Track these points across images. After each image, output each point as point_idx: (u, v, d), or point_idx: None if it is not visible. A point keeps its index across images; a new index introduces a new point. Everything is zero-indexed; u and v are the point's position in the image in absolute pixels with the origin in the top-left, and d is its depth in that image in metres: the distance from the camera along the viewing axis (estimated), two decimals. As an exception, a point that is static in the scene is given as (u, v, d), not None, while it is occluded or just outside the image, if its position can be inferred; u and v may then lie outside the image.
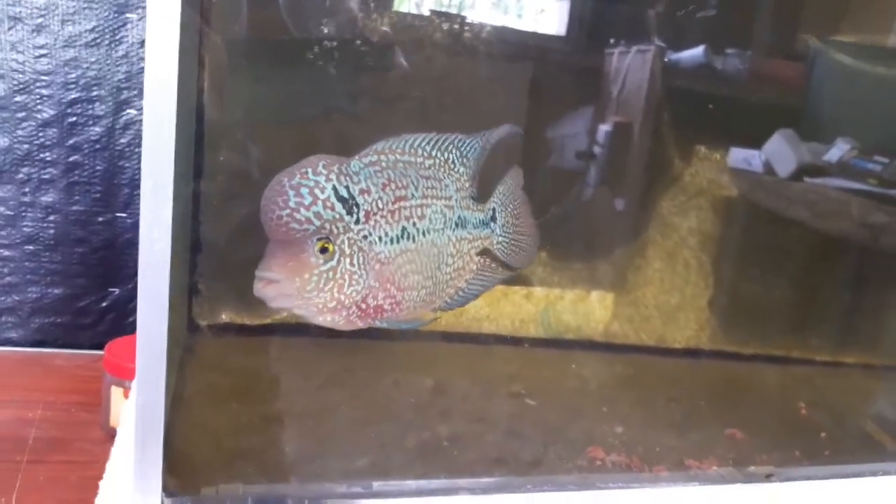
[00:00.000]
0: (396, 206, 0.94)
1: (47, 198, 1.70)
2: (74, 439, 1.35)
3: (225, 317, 1.52)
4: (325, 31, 1.39)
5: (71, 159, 1.70)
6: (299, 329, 1.52)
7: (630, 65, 1.66)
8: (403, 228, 0.95)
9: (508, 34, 1.57)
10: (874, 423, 1.50)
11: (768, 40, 1.75)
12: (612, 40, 1.66)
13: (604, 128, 1.71)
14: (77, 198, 1.71)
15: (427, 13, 1.49)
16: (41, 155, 1.68)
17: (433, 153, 1.01)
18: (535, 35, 1.61)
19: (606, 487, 1.09)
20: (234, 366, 1.39)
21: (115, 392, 1.36)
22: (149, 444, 0.85)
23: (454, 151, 1.03)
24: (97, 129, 1.67)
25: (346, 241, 0.89)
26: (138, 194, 0.80)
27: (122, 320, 1.76)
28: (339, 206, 0.88)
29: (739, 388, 1.60)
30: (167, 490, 0.88)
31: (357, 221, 0.90)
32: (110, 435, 1.31)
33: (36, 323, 1.76)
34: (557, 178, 1.69)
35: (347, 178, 0.90)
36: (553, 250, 1.73)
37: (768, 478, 1.15)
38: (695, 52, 1.70)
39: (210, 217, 1.44)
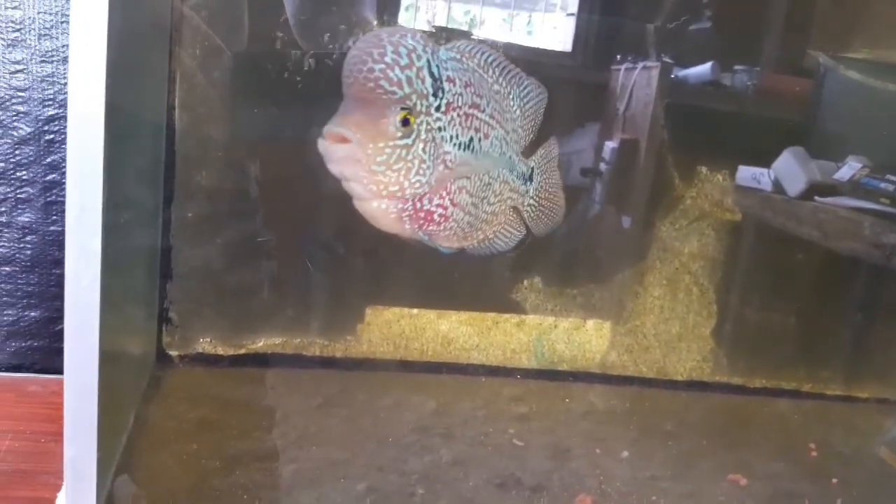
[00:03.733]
0: (471, 111, 0.87)
1: (24, 218, 1.64)
2: (40, 472, 1.28)
3: (199, 347, 1.44)
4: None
5: (48, 178, 1.64)
6: (279, 360, 1.46)
7: (636, 81, 1.61)
8: (471, 139, 0.87)
9: (514, 50, 1.51)
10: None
11: (777, 56, 1.69)
12: (617, 56, 1.63)
13: (608, 145, 1.66)
14: (55, 218, 1.65)
15: (433, 30, 1.42)
16: (17, 173, 1.62)
17: (500, 80, 0.94)
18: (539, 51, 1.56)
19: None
20: (203, 398, 1.32)
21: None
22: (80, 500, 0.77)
23: (516, 89, 0.97)
24: (72, 148, 1.61)
25: (425, 124, 0.80)
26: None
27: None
28: (428, 82, 0.80)
29: (744, 425, 1.50)
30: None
31: (438, 108, 0.82)
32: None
33: (12, 347, 1.70)
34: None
35: (438, 59, 0.82)
36: (547, 275, 1.65)
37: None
38: (702, 69, 1.66)
39: (182, 243, 1.37)
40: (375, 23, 1.34)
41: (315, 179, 1.44)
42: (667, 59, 1.63)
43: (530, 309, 1.61)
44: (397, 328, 1.52)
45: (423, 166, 0.81)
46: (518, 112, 0.98)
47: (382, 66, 0.76)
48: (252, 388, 1.37)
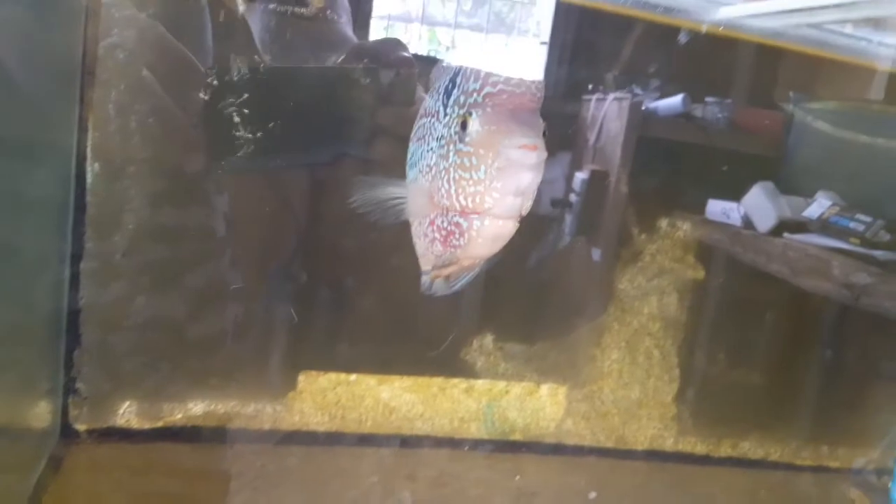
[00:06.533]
0: None
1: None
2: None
3: (111, 420, 1.30)
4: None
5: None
6: (200, 433, 1.33)
7: (607, 113, 1.59)
8: None
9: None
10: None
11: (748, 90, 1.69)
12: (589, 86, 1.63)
13: (578, 176, 1.62)
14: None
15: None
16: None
17: None
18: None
19: None
20: (106, 482, 1.18)
21: None
22: None
23: None
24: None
25: None
26: None
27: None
28: None
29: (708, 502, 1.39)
30: None
31: None
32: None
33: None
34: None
35: None
36: (499, 336, 1.55)
37: None
38: (672, 102, 1.67)
39: (92, 305, 1.24)
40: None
41: (243, 237, 1.34)
42: (638, 91, 1.63)
43: (480, 372, 1.50)
44: (333, 396, 1.39)
45: None
46: None
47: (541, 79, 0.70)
48: (165, 467, 1.24)
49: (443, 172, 0.71)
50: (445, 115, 0.72)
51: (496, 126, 0.67)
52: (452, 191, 0.70)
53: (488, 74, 0.68)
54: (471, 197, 0.69)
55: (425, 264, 0.83)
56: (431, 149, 0.74)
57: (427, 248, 0.78)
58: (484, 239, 0.72)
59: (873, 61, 1.60)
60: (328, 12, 1.17)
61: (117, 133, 1.21)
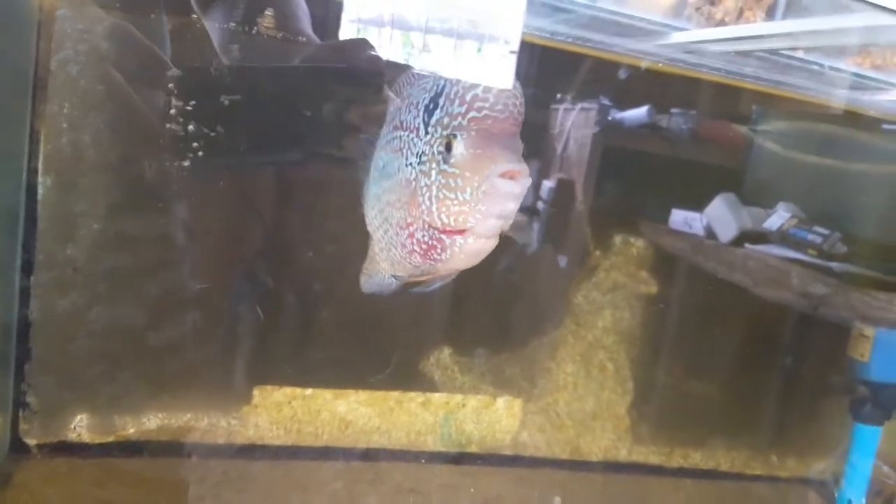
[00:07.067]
0: None
1: None
2: None
3: (63, 434, 1.29)
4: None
5: None
6: (154, 448, 1.32)
7: (575, 122, 1.60)
8: None
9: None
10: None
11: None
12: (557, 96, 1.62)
13: (546, 185, 1.64)
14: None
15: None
16: None
17: None
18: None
19: None
20: (59, 494, 1.17)
21: None
22: None
23: None
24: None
25: None
26: None
27: None
28: None
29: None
30: None
31: None
32: None
33: None
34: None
35: None
36: (457, 349, 1.56)
37: None
38: (638, 113, 1.66)
39: (44, 318, 1.23)
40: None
41: (198, 247, 1.34)
42: (605, 102, 1.63)
43: (437, 386, 1.51)
44: (288, 411, 1.39)
45: None
46: None
47: (522, 101, 0.73)
48: (117, 481, 1.23)
49: (424, 189, 0.73)
50: (427, 133, 0.74)
51: (482, 151, 0.70)
52: (434, 208, 0.72)
53: (474, 98, 0.71)
54: (454, 216, 0.71)
55: (399, 272, 0.85)
56: (411, 164, 0.76)
57: (405, 258, 0.80)
58: (466, 255, 0.74)
59: (824, 86, 1.64)
60: (278, 33, 1.18)
61: (69, 146, 1.21)
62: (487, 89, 0.71)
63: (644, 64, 1.49)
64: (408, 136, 0.78)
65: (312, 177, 1.28)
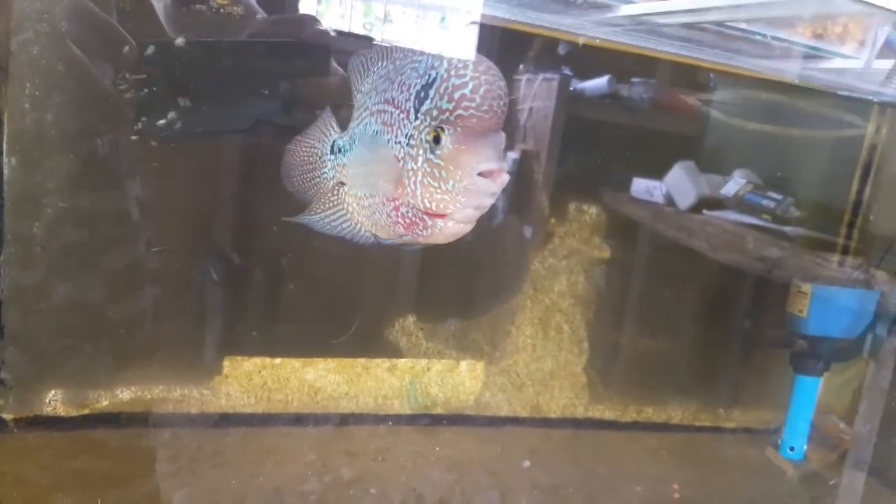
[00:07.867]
0: None
1: None
2: None
3: (38, 409, 1.32)
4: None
5: None
6: (128, 419, 1.36)
7: (537, 92, 1.62)
8: None
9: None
10: None
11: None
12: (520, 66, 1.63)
13: (509, 156, 1.64)
14: None
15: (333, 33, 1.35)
16: None
17: None
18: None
19: None
20: (36, 466, 1.20)
21: None
22: None
23: None
24: None
25: None
26: None
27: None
28: None
29: (613, 465, 1.51)
30: None
31: None
32: None
33: None
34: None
35: None
36: (421, 316, 1.62)
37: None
38: (598, 83, 1.69)
39: (14, 296, 1.26)
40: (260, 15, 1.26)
41: (167, 222, 1.37)
42: (566, 72, 1.65)
43: (403, 352, 1.58)
44: (258, 380, 1.45)
45: None
46: None
47: (507, 100, 0.79)
48: (93, 452, 1.27)
49: (410, 173, 0.80)
50: (416, 118, 0.81)
51: (466, 148, 0.77)
52: (419, 192, 0.80)
53: (461, 98, 0.77)
54: (436, 202, 0.79)
55: (381, 233, 0.92)
56: (399, 142, 0.83)
57: (388, 226, 0.87)
58: (445, 235, 0.82)
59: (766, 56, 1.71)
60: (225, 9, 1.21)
61: (33, 126, 1.22)
62: (475, 89, 0.77)
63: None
64: (398, 114, 0.84)
65: (268, 148, 1.32)
